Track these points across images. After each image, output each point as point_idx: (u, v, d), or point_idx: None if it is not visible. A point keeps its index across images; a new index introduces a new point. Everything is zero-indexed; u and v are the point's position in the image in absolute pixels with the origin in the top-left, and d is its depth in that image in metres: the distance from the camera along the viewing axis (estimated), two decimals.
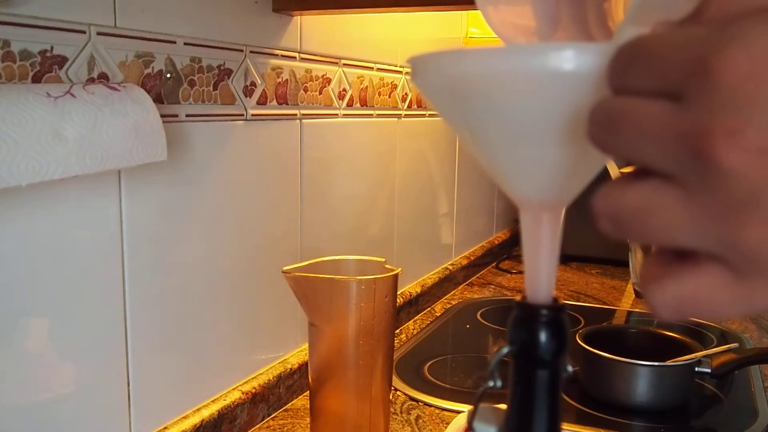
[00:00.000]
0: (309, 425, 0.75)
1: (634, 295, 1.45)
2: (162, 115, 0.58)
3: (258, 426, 0.82)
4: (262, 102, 0.81)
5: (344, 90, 1.00)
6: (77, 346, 0.60)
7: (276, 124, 0.85)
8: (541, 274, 0.32)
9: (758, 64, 0.18)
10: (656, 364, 0.88)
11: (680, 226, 0.21)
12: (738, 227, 0.19)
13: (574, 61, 0.24)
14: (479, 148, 0.29)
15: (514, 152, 0.28)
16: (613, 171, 1.46)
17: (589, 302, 1.40)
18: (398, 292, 0.87)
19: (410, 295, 1.24)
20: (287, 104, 0.87)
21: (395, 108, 1.17)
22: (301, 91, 0.89)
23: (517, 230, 1.87)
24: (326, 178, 0.97)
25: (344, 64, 0.99)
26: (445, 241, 1.47)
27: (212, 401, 0.76)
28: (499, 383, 0.34)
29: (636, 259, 1.45)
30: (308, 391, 0.73)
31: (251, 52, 0.79)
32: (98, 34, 0.59)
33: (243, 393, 0.79)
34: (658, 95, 0.21)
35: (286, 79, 0.86)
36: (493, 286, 1.54)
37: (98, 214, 0.60)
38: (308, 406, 0.74)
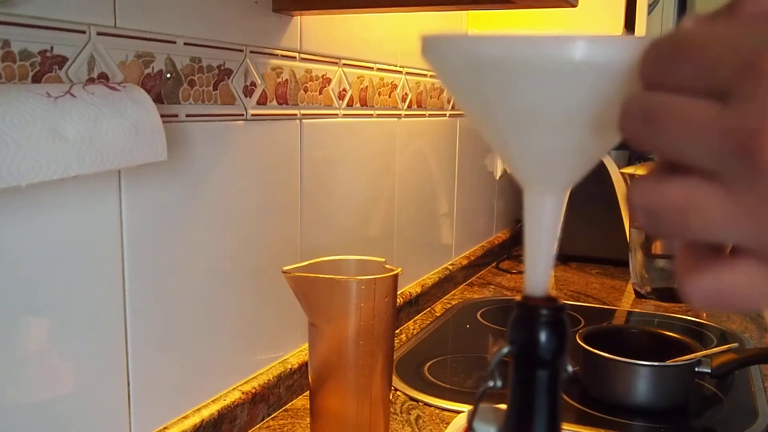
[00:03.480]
0: (309, 425, 0.75)
1: (634, 295, 1.45)
2: (162, 115, 0.58)
3: (258, 426, 0.82)
4: (262, 102, 0.81)
5: (344, 90, 1.00)
6: (77, 346, 0.60)
7: (276, 124, 0.85)
8: (541, 256, 0.32)
9: None
10: (656, 364, 0.88)
11: (720, 223, 0.21)
12: None
13: (600, 52, 0.24)
14: (488, 127, 0.30)
15: (525, 135, 0.28)
16: (611, 165, 1.45)
17: (589, 302, 1.40)
18: (398, 292, 0.87)
19: (410, 295, 1.24)
20: (287, 104, 0.87)
21: (395, 108, 1.17)
22: (301, 91, 0.89)
23: (518, 230, 1.87)
24: (326, 178, 0.97)
25: (344, 64, 0.99)
26: (445, 241, 1.47)
27: (212, 401, 0.76)
28: (499, 383, 0.34)
29: (636, 259, 1.45)
30: (308, 391, 0.73)
31: (251, 52, 0.79)
32: (98, 34, 0.59)
33: (243, 393, 0.79)
34: (700, 92, 0.21)
35: (286, 79, 0.86)
36: (493, 286, 1.54)
37: (98, 214, 0.60)
38: (308, 406, 0.74)
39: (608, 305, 1.39)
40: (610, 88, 0.25)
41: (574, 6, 0.86)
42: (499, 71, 0.26)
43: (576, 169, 0.30)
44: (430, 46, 0.29)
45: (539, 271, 0.33)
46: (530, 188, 0.31)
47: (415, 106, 1.24)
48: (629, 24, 1.40)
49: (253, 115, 0.80)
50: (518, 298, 0.34)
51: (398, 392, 0.93)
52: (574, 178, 0.30)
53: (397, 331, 1.18)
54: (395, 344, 1.07)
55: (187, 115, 0.70)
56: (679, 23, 0.22)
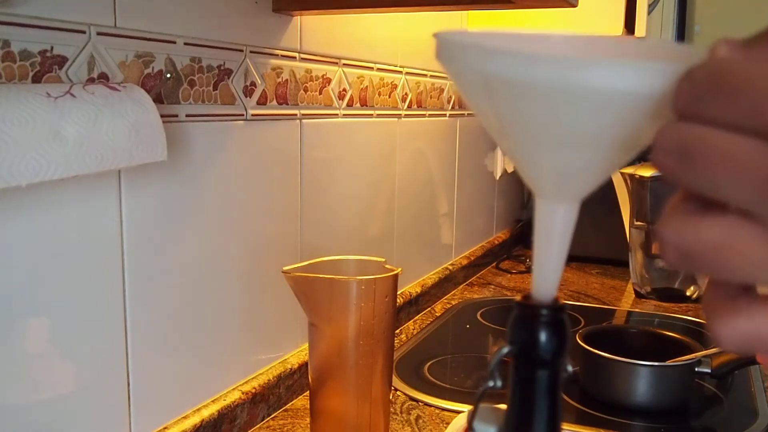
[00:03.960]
0: (309, 425, 0.75)
1: (634, 295, 1.45)
2: (162, 115, 0.58)
3: (258, 426, 0.82)
4: (262, 102, 0.81)
5: (344, 90, 1.00)
6: (77, 346, 0.60)
7: (276, 124, 0.85)
8: (549, 264, 0.32)
9: None
10: (656, 364, 0.88)
11: (759, 265, 0.20)
12: None
13: (625, 79, 0.23)
14: (500, 139, 0.29)
15: (539, 151, 0.27)
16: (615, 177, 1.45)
17: (589, 302, 1.40)
18: (398, 292, 0.87)
19: (410, 295, 1.24)
20: (287, 104, 0.87)
21: (395, 108, 1.17)
22: (301, 91, 0.89)
23: (517, 230, 1.87)
24: (326, 178, 0.97)
25: (344, 64, 0.99)
26: (445, 241, 1.47)
27: (212, 401, 0.76)
28: (499, 383, 0.34)
29: (636, 259, 1.45)
30: (308, 391, 0.73)
31: (251, 52, 0.79)
32: (98, 34, 0.59)
33: (243, 393, 0.79)
34: (741, 129, 0.20)
35: (286, 79, 0.86)
36: (493, 286, 1.54)
37: (98, 214, 0.60)
38: (308, 406, 0.74)
39: (608, 305, 1.39)
40: (634, 114, 0.24)
41: (574, 6, 0.86)
42: (515, 91, 0.25)
43: (591, 183, 0.29)
44: (442, 50, 0.27)
45: (547, 279, 0.32)
46: (542, 198, 0.30)
47: (415, 106, 1.24)
48: (629, 24, 1.40)
49: (253, 115, 0.80)
50: (518, 298, 0.34)
51: (398, 392, 0.93)
52: (588, 191, 0.30)
53: (397, 331, 1.18)
54: (395, 344, 1.07)
55: (187, 115, 0.70)
56: (713, 49, 0.21)
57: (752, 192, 0.20)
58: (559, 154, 0.27)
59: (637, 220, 1.44)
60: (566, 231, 0.31)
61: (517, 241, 1.88)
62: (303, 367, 0.90)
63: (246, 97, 0.78)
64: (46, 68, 0.54)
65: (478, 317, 1.29)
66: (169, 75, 0.67)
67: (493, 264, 1.71)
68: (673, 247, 0.22)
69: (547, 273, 0.32)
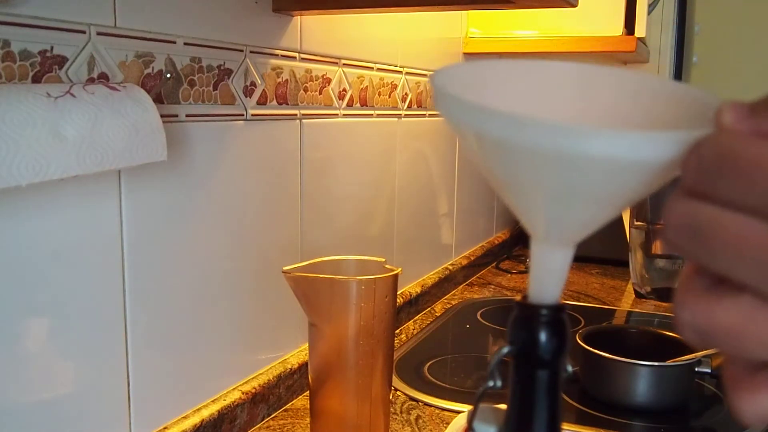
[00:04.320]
0: (309, 425, 0.75)
1: (634, 295, 1.45)
2: (162, 115, 0.58)
3: (258, 426, 0.82)
4: (262, 102, 0.81)
5: (344, 90, 1.00)
6: (77, 346, 0.60)
7: (276, 124, 0.85)
8: (548, 295, 0.32)
9: None
10: (656, 364, 0.88)
11: None
12: None
13: (622, 150, 0.22)
14: (496, 186, 0.28)
15: (534, 205, 0.27)
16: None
17: (589, 302, 1.40)
18: (398, 292, 0.87)
19: (410, 295, 1.24)
20: (287, 104, 0.87)
21: (395, 108, 1.17)
22: (301, 91, 0.89)
23: (518, 230, 1.87)
24: (326, 178, 0.97)
25: (344, 64, 0.99)
26: (445, 241, 1.47)
27: (212, 401, 0.76)
28: (499, 383, 0.34)
29: (636, 259, 1.45)
30: (308, 391, 0.73)
31: (251, 52, 0.79)
32: (98, 34, 0.59)
33: (243, 393, 0.79)
34: (753, 211, 0.20)
35: (286, 79, 0.86)
36: (493, 286, 1.54)
37: (98, 214, 0.60)
38: (308, 406, 0.74)
39: (608, 305, 1.39)
40: (633, 179, 0.24)
41: (574, 6, 0.86)
42: (506, 151, 0.24)
43: (587, 231, 0.29)
44: (439, 100, 0.27)
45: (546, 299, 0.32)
46: (538, 242, 0.30)
47: (415, 106, 1.24)
48: (629, 24, 1.40)
49: (253, 115, 0.80)
50: (518, 298, 0.34)
51: (398, 392, 0.93)
52: (584, 236, 0.29)
53: (397, 331, 1.18)
54: (395, 344, 1.07)
55: (187, 115, 0.70)
56: (719, 115, 0.21)
57: (765, 272, 0.19)
58: (553, 209, 0.27)
59: (637, 220, 1.44)
60: (562, 272, 0.31)
61: (517, 241, 1.88)
62: (303, 367, 0.90)
63: (246, 97, 0.78)
64: (46, 68, 0.54)
65: (478, 317, 1.29)
66: (169, 75, 0.67)
67: (493, 264, 1.71)
68: (690, 328, 0.22)
69: (546, 299, 0.32)
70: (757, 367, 0.22)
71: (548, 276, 0.31)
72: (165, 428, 0.70)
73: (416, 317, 1.28)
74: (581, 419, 0.87)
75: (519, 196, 0.27)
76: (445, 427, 0.79)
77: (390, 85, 1.14)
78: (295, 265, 0.71)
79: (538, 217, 0.28)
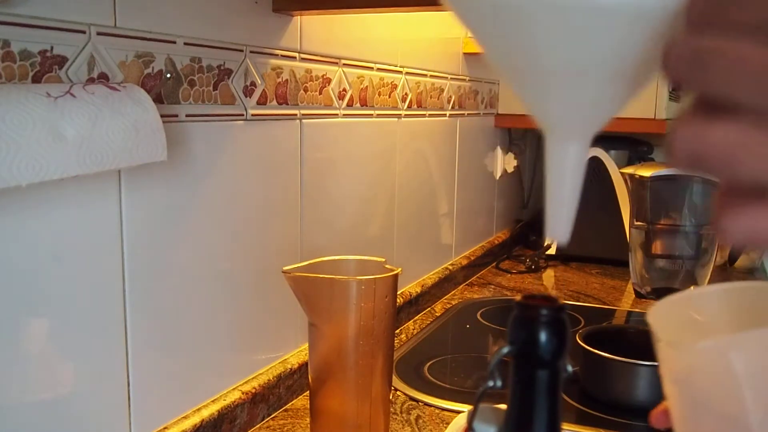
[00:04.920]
0: (309, 425, 0.75)
1: (634, 295, 1.45)
2: (162, 115, 0.58)
3: (258, 426, 0.82)
4: (262, 102, 0.81)
5: (344, 90, 1.00)
6: (77, 346, 0.60)
7: (276, 124, 0.85)
8: (562, 204, 0.31)
9: None
10: (656, 364, 0.88)
11: None
12: None
13: None
14: (508, 73, 0.28)
15: (548, 84, 0.27)
16: (611, 165, 1.45)
17: (589, 302, 1.40)
18: (398, 292, 0.87)
19: (410, 295, 1.24)
20: (287, 104, 0.87)
21: (395, 108, 1.17)
22: (301, 91, 0.89)
23: (517, 230, 1.87)
24: (326, 178, 0.97)
25: (344, 64, 0.99)
26: (445, 241, 1.47)
27: (212, 401, 0.76)
28: (499, 383, 0.34)
29: (636, 259, 1.45)
30: (308, 391, 0.73)
31: (251, 52, 0.79)
32: (98, 34, 0.59)
33: (243, 393, 0.79)
34: (758, 36, 0.20)
35: (286, 79, 0.86)
36: (493, 286, 1.54)
37: (98, 214, 0.60)
38: (308, 406, 0.74)
39: (608, 305, 1.39)
40: (645, 34, 0.24)
41: None
42: (522, 18, 0.25)
43: (600, 118, 0.29)
44: None
45: (561, 221, 0.32)
46: (552, 134, 0.30)
47: (415, 106, 1.24)
48: None
49: (253, 115, 0.80)
50: (518, 298, 0.34)
51: (398, 392, 0.93)
52: (597, 127, 0.29)
53: (397, 331, 1.18)
54: (395, 344, 1.07)
55: (187, 115, 0.70)
56: None
57: (765, 90, 0.20)
58: (567, 84, 0.27)
59: (637, 220, 1.44)
60: (578, 170, 0.30)
61: (517, 241, 1.88)
62: (303, 367, 0.90)
63: (246, 97, 0.78)
64: (46, 68, 0.54)
65: (478, 317, 1.29)
66: (169, 75, 0.67)
67: (493, 264, 1.71)
68: (684, 151, 0.22)
69: (561, 213, 0.32)
70: (746, 193, 0.22)
71: (563, 178, 0.31)
72: (165, 428, 0.70)
73: (416, 317, 1.28)
74: (581, 419, 0.87)
75: (532, 77, 0.27)
76: (445, 427, 0.79)
77: (390, 85, 1.14)
78: (295, 265, 0.71)
79: (551, 102, 0.28)
